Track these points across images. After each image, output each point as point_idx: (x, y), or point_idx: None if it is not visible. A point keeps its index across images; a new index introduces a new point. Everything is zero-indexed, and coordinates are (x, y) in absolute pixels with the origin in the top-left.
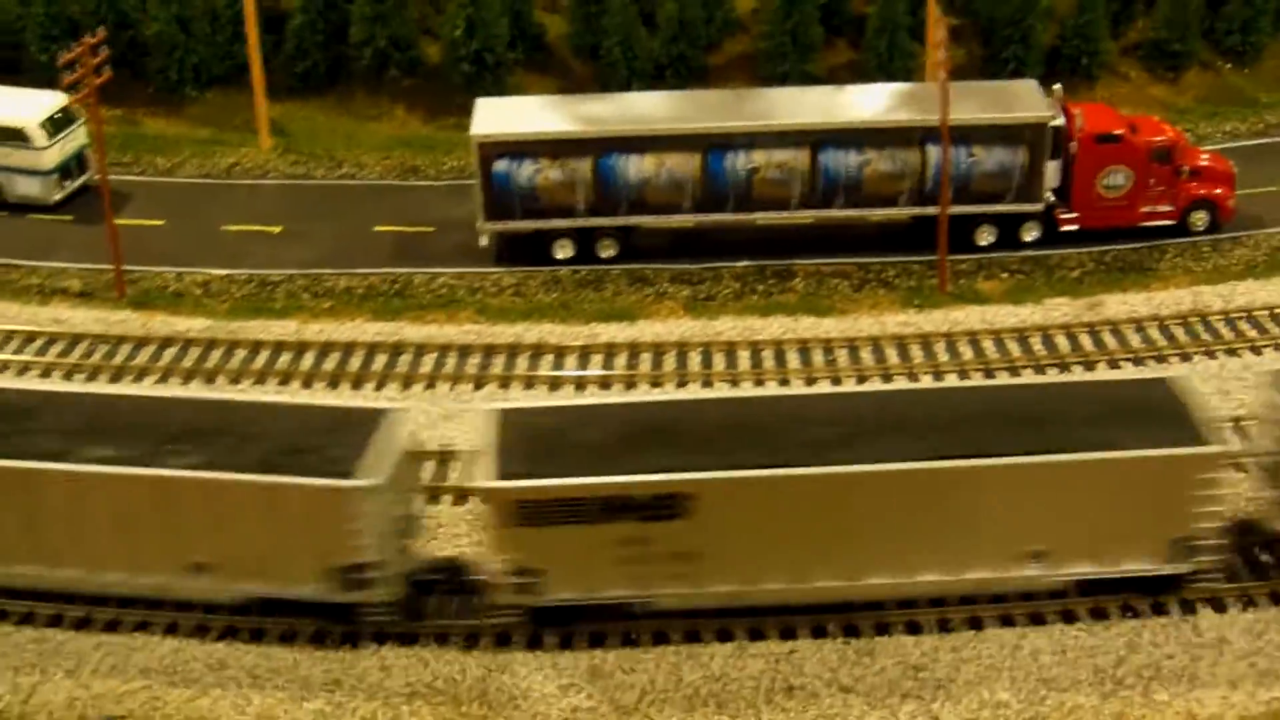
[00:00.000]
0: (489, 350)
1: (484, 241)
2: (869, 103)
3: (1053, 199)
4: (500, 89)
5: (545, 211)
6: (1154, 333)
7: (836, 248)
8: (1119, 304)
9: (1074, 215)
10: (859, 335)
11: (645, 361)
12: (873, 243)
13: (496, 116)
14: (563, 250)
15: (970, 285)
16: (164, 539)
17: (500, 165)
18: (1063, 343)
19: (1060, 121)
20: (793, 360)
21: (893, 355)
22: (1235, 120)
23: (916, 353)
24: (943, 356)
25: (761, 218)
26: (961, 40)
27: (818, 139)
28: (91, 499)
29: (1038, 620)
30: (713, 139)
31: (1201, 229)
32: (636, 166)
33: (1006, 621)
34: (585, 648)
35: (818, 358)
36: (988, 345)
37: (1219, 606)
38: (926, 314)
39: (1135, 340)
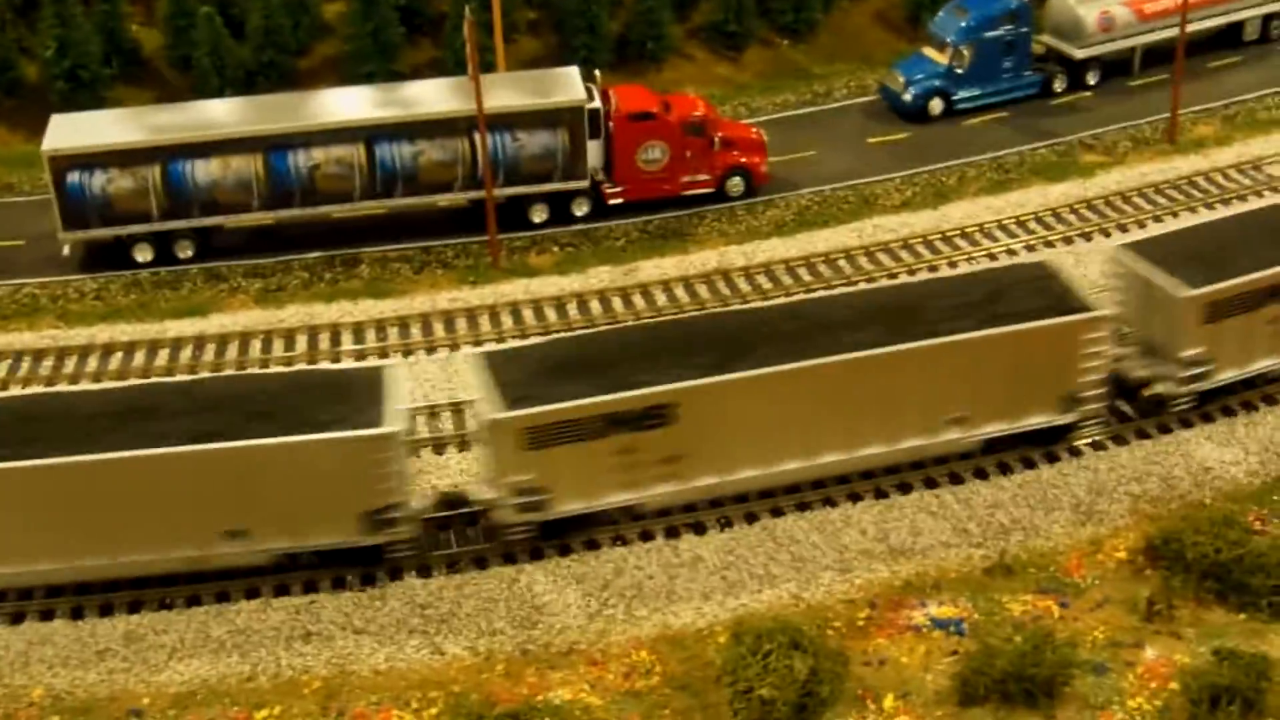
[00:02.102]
0: (62, 353)
1: (66, 251)
2: (419, 97)
3: (600, 176)
4: (98, 104)
5: (121, 218)
6: (679, 291)
7: (404, 233)
8: (652, 268)
9: (619, 189)
10: (410, 313)
11: (209, 351)
12: (438, 227)
13: (68, 131)
14: (142, 254)
15: (523, 260)
16: None
17: (73, 177)
18: (596, 306)
19: (597, 104)
20: (347, 340)
21: (440, 329)
22: (787, 92)
23: (462, 325)
24: (486, 327)
25: (328, 211)
26: (539, 31)
27: (371, 134)
28: None
29: (537, 555)
30: (272, 140)
31: (738, 195)
32: (203, 170)
33: (509, 559)
34: (124, 614)
35: (370, 336)
36: (528, 314)
37: (699, 529)
38: (478, 289)
39: (661, 299)
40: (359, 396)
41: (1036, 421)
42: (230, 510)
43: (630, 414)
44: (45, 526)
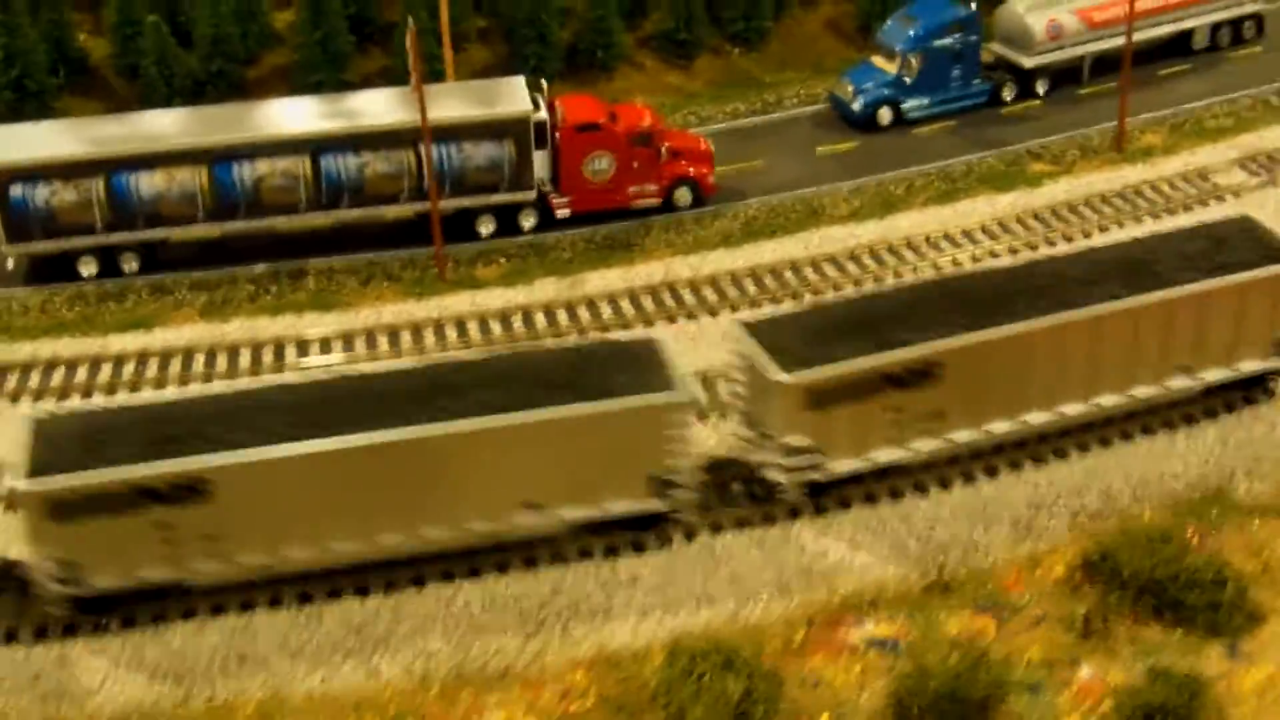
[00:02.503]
0: (4, 370)
1: (11, 264)
2: (364, 108)
3: (548, 187)
4: (45, 114)
5: (65, 231)
6: (624, 304)
7: (351, 244)
8: (599, 280)
9: (566, 200)
10: (355, 328)
11: (153, 366)
12: (386, 238)
13: (10, 143)
14: (87, 267)
15: (470, 272)
16: None
17: (16, 190)
18: (541, 319)
19: (543, 115)
20: (290, 355)
21: (384, 343)
22: (738, 101)
23: (406, 338)
24: (430, 340)
25: (273, 223)
26: (489, 40)
27: (316, 145)
28: None
29: (474, 573)
30: (217, 152)
31: (686, 205)
32: (148, 182)
33: (447, 576)
34: (58, 637)
35: (315, 350)
36: (473, 327)
37: (638, 548)
38: (424, 302)
39: (607, 311)
40: (644, 365)
41: (1250, 367)
42: (531, 481)
43: (902, 372)
44: (351, 506)
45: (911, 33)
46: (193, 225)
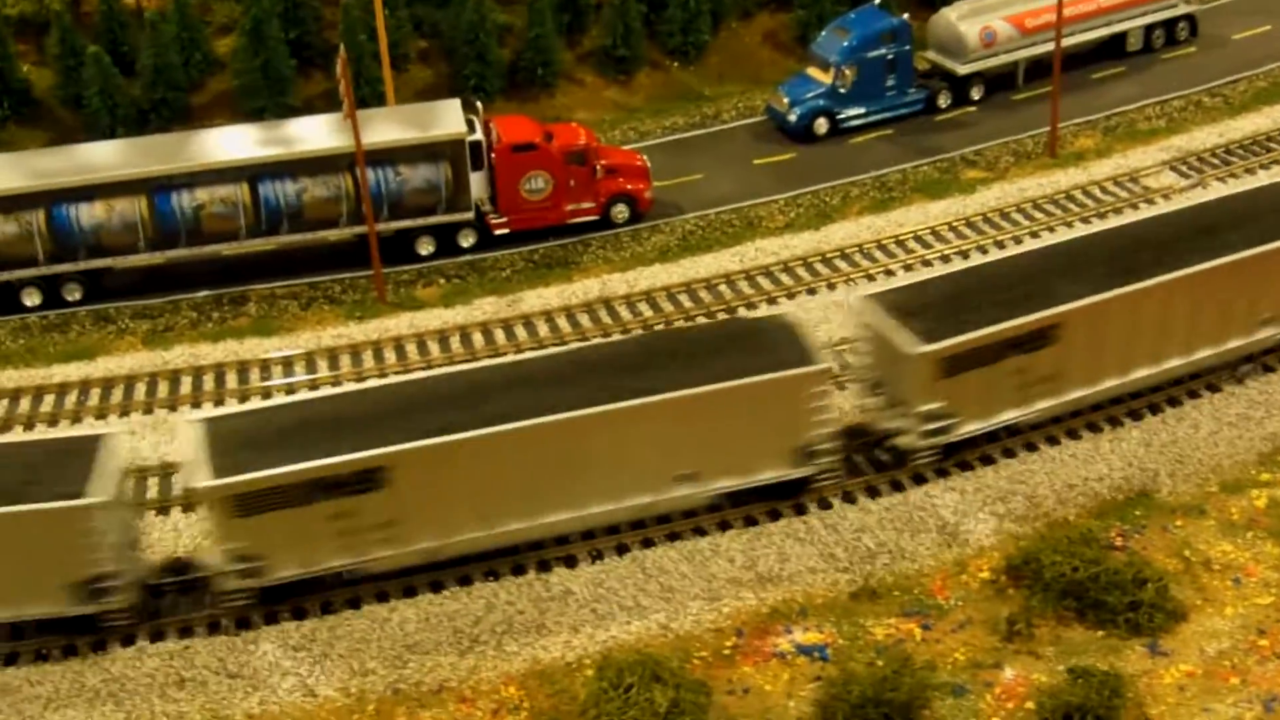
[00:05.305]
0: None
1: None
2: (301, 134)
3: (486, 206)
4: None
5: (7, 263)
6: (561, 321)
7: (294, 268)
8: (535, 298)
9: (504, 219)
10: (296, 351)
11: (94, 396)
12: (327, 261)
13: None
14: (30, 298)
15: (410, 293)
16: None
17: None
18: (479, 338)
19: (478, 136)
20: (231, 381)
21: (324, 366)
22: (677, 115)
23: (346, 361)
24: (369, 362)
25: (215, 249)
26: (430, 60)
27: (254, 173)
28: None
29: (410, 593)
30: (155, 181)
31: (623, 221)
32: (88, 213)
33: (381, 598)
34: None
35: (255, 376)
36: (411, 348)
37: (570, 562)
38: (364, 324)
39: (544, 329)
40: (782, 341)
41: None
42: (685, 455)
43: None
44: (518, 487)
45: (845, 44)
46: (134, 254)
